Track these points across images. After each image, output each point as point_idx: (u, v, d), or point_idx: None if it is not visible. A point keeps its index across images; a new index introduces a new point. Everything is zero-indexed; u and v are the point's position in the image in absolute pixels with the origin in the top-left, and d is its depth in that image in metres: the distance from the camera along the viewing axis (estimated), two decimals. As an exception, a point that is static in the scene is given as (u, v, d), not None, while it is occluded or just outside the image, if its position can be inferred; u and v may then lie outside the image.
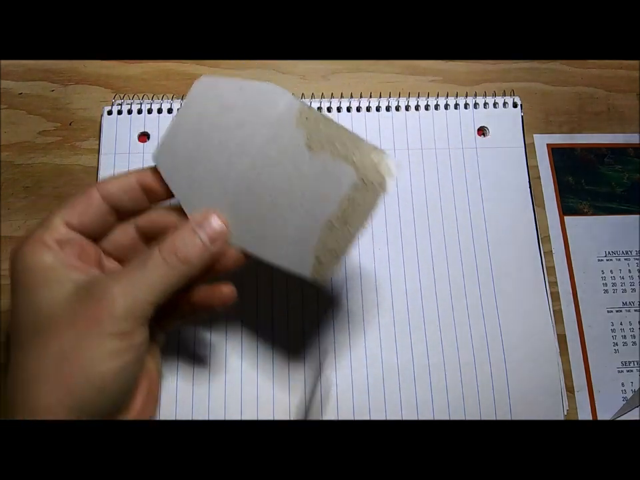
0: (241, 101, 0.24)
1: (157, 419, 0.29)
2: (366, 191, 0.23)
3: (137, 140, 0.34)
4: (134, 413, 0.22)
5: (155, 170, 0.24)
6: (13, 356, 0.20)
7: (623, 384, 0.32)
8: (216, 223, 0.23)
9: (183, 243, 0.22)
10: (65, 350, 0.20)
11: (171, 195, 0.24)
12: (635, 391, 0.31)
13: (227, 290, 0.24)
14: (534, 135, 0.36)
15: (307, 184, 0.23)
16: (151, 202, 0.25)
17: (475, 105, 0.36)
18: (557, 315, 0.33)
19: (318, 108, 0.35)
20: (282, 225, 0.23)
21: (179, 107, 0.24)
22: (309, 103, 0.35)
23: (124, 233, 0.25)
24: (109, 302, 0.20)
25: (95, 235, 0.24)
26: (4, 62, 0.36)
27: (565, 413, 0.31)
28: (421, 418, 0.30)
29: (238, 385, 0.30)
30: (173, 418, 0.29)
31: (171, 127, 0.24)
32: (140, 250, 0.25)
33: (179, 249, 0.22)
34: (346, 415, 0.30)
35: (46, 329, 0.20)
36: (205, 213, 0.24)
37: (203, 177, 0.24)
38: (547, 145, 0.36)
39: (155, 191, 0.24)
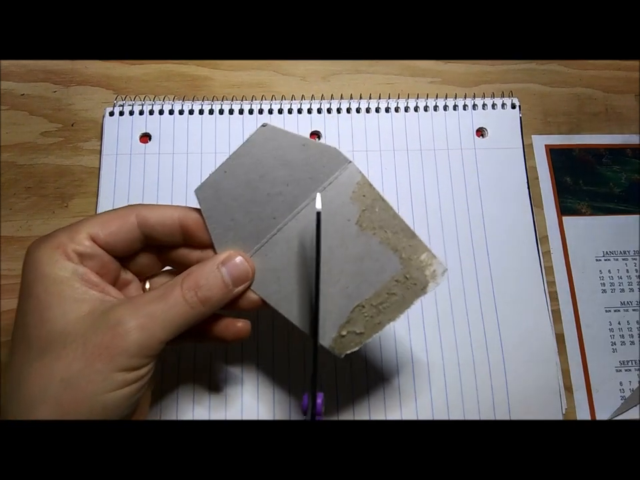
0: (300, 158, 0.23)
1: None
2: (406, 289, 0.23)
3: (138, 141, 0.34)
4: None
5: (199, 212, 0.23)
6: (16, 365, 0.20)
7: (621, 383, 0.32)
8: (242, 263, 0.23)
9: (205, 280, 0.22)
10: (71, 376, 0.19)
11: (207, 245, 0.24)
12: (633, 390, 0.32)
13: (242, 325, 0.24)
14: (532, 136, 0.37)
15: (348, 261, 0.23)
16: (185, 242, 0.24)
17: (474, 106, 0.36)
18: (556, 315, 0.33)
19: (318, 109, 0.35)
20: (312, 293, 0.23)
21: (236, 147, 0.23)
22: (309, 104, 0.35)
23: (146, 255, 0.24)
24: (124, 335, 0.19)
25: (118, 255, 0.23)
26: (6, 63, 0.36)
27: (564, 412, 0.31)
28: (420, 417, 0.30)
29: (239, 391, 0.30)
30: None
31: (221, 165, 0.24)
32: (158, 270, 0.25)
33: (201, 287, 0.21)
34: (346, 415, 0.30)
35: (55, 348, 0.19)
36: (232, 252, 0.23)
37: (242, 223, 0.23)
38: (545, 145, 0.37)
39: (193, 235, 0.23)
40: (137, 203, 0.32)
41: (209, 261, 0.22)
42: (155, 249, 0.24)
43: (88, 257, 0.21)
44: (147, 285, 0.25)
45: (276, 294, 0.23)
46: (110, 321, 0.20)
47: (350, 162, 0.23)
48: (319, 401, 0.22)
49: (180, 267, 0.24)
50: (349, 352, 0.23)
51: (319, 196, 0.22)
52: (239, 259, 0.23)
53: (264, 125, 0.23)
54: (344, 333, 0.23)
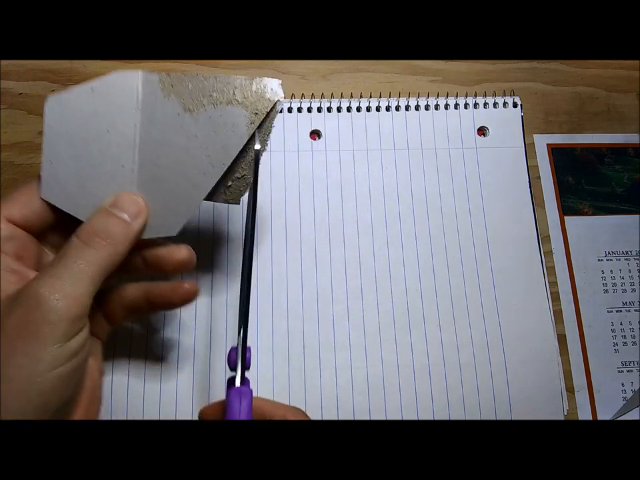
0: (98, 102, 0.23)
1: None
2: (263, 120, 0.24)
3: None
4: (79, 415, 0.21)
5: None
6: None
7: (623, 384, 0.32)
8: (129, 197, 0.22)
9: (102, 225, 0.21)
10: (3, 372, 0.18)
11: None
12: (635, 391, 0.31)
13: (189, 286, 0.23)
14: (534, 135, 0.37)
15: (206, 144, 0.23)
16: None
17: (475, 105, 0.36)
18: (557, 315, 0.33)
19: (318, 108, 0.35)
20: (201, 192, 0.23)
21: (43, 133, 0.23)
22: (309, 103, 0.35)
23: (63, 228, 0.23)
24: (38, 305, 0.18)
25: (37, 230, 0.23)
26: (4, 62, 0.36)
27: (565, 413, 0.31)
28: (421, 418, 0.30)
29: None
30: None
31: (43, 159, 0.23)
32: None
33: (99, 230, 0.21)
34: (346, 414, 0.30)
35: None
36: (116, 195, 0.22)
37: (100, 191, 0.23)
38: (547, 144, 0.36)
39: None
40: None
41: (96, 211, 0.22)
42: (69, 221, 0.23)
43: (7, 240, 0.21)
44: None
45: (176, 223, 0.23)
46: (21, 299, 0.19)
47: (135, 72, 0.23)
48: (248, 354, 0.22)
49: None
50: (241, 196, 0.25)
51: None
52: (124, 195, 0.22)
53: (47, 99, 0.23)
54: (229, 183, 0.24)
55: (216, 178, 0.23)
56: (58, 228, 0.23)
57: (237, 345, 0.23)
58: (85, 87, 0.23)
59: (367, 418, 0.30)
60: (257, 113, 0.23)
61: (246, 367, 0.22)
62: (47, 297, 0.19)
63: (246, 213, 0.25)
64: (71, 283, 0.19)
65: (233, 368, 0.22)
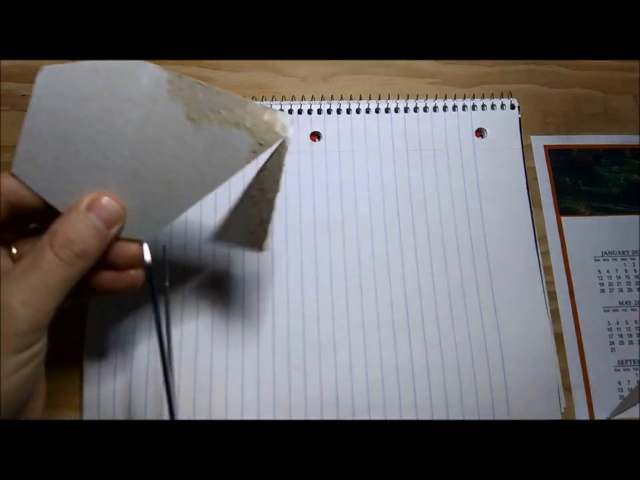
0: (98, 86, 0.21)
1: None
2: (269, 154, 0.22)
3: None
4: (37, 413, 0.21)
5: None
6: None
7: (619, 382, 0.32)
8: (109, 203, 0.21)
9: (75, 232, 0.20)
10: None
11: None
12: (631, 390, 0.32)
13: (134, 273, 0.22)
14: (531, 137, 0.37)
15: (201, 159, 0.22)
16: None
17: (473, 107, 0.36)
18: (554, 314, 0.33)
19: (318, 110, 0.36)
20: (184, 204, 0.22)
21: (29, 105, 0.21)
22: (310, 105, 0.36)
23: (12, 223, 0.22)
24: (9, 316, 0.18)
25: None
26: (7, 63, 0.36)
27: (562, 411, 0.31)
28: (420, 417, 0.30)
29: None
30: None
31: (23, 133, 0.21)
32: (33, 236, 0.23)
33: (73, 241, 0.20)
34: (345, 413, 0.30)
35: None
36: (95, 194, 0.21)
37: (80, 180, 0.21)
38: (544, 146, 0.37)
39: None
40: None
41: (72, 211, 0.20)
42: (22, 217, 0.22)
43: None
44: (14, 250, 0.23)
45: (150, 229, 0.22)
46: None
47: (146, 64, 0.21)
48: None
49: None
50: (267, 241, 0.23)
51: (145, 246, 0.22)
52: (105, 199, 0.21)
53: (42, 70, 0.21)
54: (252, 229, 0.23)
55: (203, 195, 0.22)
56: (7, 227, 0.22)
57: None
58: (87, 65, 0.21)
59: (367, 417, 0.30)
60: (261, 144, 0.22)
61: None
62: (19, 310, 0.18)
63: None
64: (45, 297, 0.19)
65: None
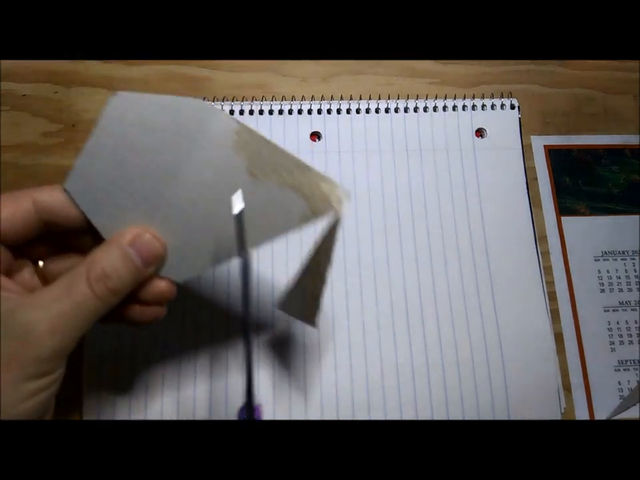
0: (165, 120, 0.21)
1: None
2: (326, 228, 0.22)
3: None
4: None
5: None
6: None
7: (619, 382, 0.32)
8: (151, 241, 0.21)
9: (113, 267, 0.20)
10: None
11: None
12: (631, 390, 0.32)
13: (159, 309, 0.22)
14: (531, 137, 0.37)
15: (250, 212, 0.21)
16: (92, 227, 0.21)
17: (473, 107, 0.36)
18: (554, 314, 0.33)
19: (318, 110, 0.36)
20: (225, 255, 0.22)
21: (95, 126, 0.21)
22: (310, 105, 0.36)
23: (44, 241, 0.22)
24: (35, 342, 0.18)
25: (11, 244, 0.21)
26: (7, 63, 0.36)
27: (562, 411, 0.31)
28: (420, 417, 0.30)
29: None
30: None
31: (83, 151, 0.21)
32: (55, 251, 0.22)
33: (110, 277, 0.19)
34: (345, 414, 0.30)
35: None
36: (138, 229, 0.21)
37: (126, 207, 0.21)
38: (544, 146, 0.37)
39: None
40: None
41: (113, 243, 0.20)
42: (55, 234, 0.22)
43: None
44: (41, 264, 0.23)
45: (186, 272, 0.22)
46: (16, 327, 0.18)
47: (219, 110, 0.21)
48: (257, 414, 0.21)
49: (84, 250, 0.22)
50: (317, 318, 0.23)
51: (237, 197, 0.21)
52: (147, 236, 0.21)
53: (115, 94, 0.21)
54: (308, 301, 0.23)
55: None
56: (37, 242, 0.22)
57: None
58: (158, 99, 0.21)
59: (367, 416, 0.30)
60: (314, 212, 0.22)
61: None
62: (45, 338, 0.18)
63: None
64: (72, 327, 0.19)
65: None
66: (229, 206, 0.21)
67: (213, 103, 0.35)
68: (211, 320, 0.31)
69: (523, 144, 0.36)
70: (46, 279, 0.23)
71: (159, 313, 0.22)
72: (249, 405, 0.20)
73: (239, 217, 0.21)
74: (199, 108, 0.21)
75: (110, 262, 0.20)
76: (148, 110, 0.21)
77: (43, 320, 0.18)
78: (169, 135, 0.21)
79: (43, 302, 0.19)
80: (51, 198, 0.21)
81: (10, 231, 0.20)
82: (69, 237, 0.22)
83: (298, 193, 0.22)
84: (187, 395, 0.30)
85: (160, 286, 0.22)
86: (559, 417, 0.31)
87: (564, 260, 0.34)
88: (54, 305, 0.19)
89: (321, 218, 0.22)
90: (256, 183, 0.21)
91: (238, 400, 0.30)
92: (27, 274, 0.22)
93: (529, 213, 0.34)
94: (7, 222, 0.20)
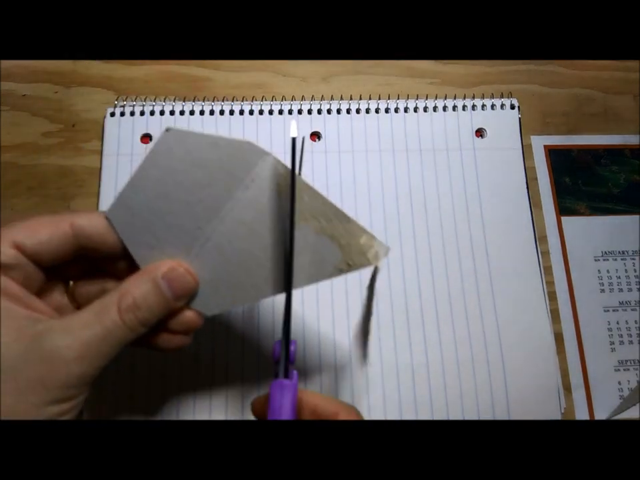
0: (214, 158, 0.21)
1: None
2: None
3: (139, 141, 0.34)
4: None
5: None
6: None
7: (619, 382, 0.32)
8: (184, 276, 0.21)
9: (144, 299, 0.20)
10: (2, 411, 0.17)
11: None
12: (631, 390, 0.32)
13: (184, 338, 0.22)
14: (531, 137, 0.37)
15: (285, 256, 0.21)
16: (127, 254, 0.22)
17: (473, 107, 0.36)
18: (554, 314, 0.33)
19: (318, 110, 0.36)
20: (257, 294, 0.22)
21: (143, 158, 0.21)
22: (310, 105, 0.36)
23: (77, 264, 0.22)
24: (62, 368, 0.18)
25: (45, 265, 0.21)
26: (7, 63, 0.36)
27: (562, 411, 0.31)
28: (420, 417, 0.30)
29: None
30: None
31: (130, 180, 0.21)
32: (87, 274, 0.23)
33: (140, 308, 0.20)
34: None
35: None
36: (174, 263, 0.21)
37: (165, 239, 0.22)
38: (544, 146, 0.37)
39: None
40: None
41: (146, 275, 0.20)
42: (88, 258, 0.22)
43: (10, 268, 0.19)
44: (71, 284, 0.23)
45: (216, 306, 0.22)
46: (44, 351, 0.18)
47: (268, 154, 0.21)
48: (292, 347, 0.21)
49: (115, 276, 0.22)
50: (367, 356, 0.25)
51: (293, 123, 0.21)
52: (181, 270, 0.21)
53: (168, 130, 0.21)
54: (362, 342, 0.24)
55: (276, 293, 0.22)
56: (70, 263, 0.22)
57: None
58: (209, 137, 0.21)
59: (366, 416, 0.30)
60: (350, 264, 0.22)
61: (290, 360, 0.21)
62: (71, 364, 0.18)
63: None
64: (100, 355, 0.19)
65: (277, 361, 0.21)
66: (265, 247, 0.22)
67: (213, 103, 0.35)
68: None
69: (523, 144, 0.36)
70: (75, 299, 0.23)
71: (185, 341, 0.22)
72: (286, 336, 0.21)
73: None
74: (249, 149, 0.21)
75: (142, 293, 0.20)
76: (198, 146, 0.21)
77: (72, 345, 0.18)
78: (215, 172, 0.21)
79: (73, 327, 0.19)
80: (90, 223, 0.21)
81: (45, 253, 0.20)
82: (103, 261, 0.22)
83: (334, 242, 0.22)
84: (187, 394, 0.30)
85: (188, 316, 0.22)
86: (559, 417, 0.31)
87: (564, 260, 0.34)
88: (84, 332, 0.19)
89: (355, 270, 0.22)
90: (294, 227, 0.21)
91: (238, 400, 0.30)
92: (57, 294, 0.23)
93: (529, 212, 0.34)
94: (43, 244, 0.20)
